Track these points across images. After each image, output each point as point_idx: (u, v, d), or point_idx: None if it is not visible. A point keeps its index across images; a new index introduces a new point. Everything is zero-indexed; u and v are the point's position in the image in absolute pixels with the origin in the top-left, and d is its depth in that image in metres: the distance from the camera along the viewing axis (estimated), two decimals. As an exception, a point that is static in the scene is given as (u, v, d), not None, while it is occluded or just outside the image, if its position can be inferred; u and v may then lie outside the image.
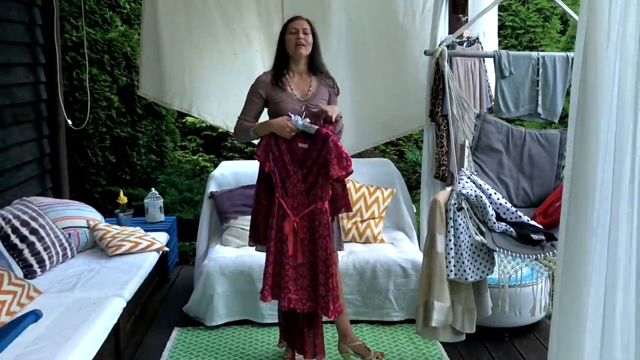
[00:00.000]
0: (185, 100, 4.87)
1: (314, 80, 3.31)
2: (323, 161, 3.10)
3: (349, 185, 4.47)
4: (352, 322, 3.82)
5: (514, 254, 3.07)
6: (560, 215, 2.14)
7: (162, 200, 5.14)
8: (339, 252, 3.42)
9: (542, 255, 3.08)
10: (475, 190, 3.12)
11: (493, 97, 3.84)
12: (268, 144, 3.20)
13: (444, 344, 3.66)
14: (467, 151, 3.38)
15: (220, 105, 4.90)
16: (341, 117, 3.29)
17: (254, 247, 3.45)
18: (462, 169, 3.32)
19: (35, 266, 3.58)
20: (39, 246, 3.63)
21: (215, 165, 5.47)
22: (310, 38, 3.24)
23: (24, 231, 3.61)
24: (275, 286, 3.22)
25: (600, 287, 2.06)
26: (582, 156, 2.03)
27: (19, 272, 3.47)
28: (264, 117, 3.36)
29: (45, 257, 3.65)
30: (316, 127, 3.11)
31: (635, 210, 2.05)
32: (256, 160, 3.25)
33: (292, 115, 3.12)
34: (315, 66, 3.30)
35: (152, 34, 4.71)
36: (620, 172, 2.03)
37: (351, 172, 3.13)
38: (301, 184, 3.16)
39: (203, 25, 4.74)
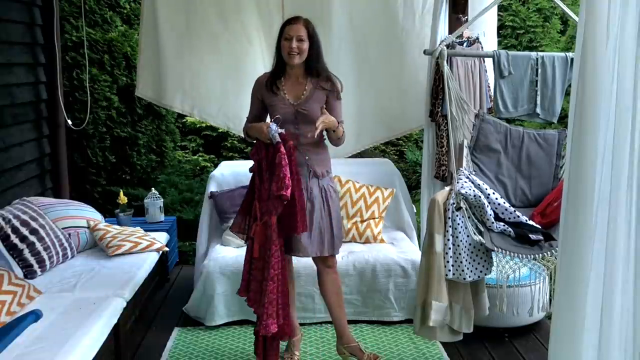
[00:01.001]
0: (186, 102, 4.85)
1: (310, 83, 3.28)
2: (274, 174, 3.11)
3: (349, 185, 4.48)
4: (352, 322, 3.83)
5: (512, 254, 3.07)
6: (560, 215, 2.15)
7: (162, 200, 5.14)
8: (335, 255, 3.42)
9: (540, 255, 3.08)
10: (474, 190, 3.12)
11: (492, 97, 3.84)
12: (258, 145, 3.25)
13: (444, 344, 3.66)
14: (465, 151, 3.38)
15: (222, 107, 4.88)
16: (341, 126, 3.29)
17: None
18: (461, 168, 3.32)
19: (35, 266, 3.58)
20: (39, 246, 3.63)
21: (215, 165, 5.48)
22: (305, 45, 3.19)
23: (24, 231, 3.61)
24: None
25: (599, 287, 2.06)
26: (581, 156, 2.03)
27: (19, 272, 3.48)
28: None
29: (45, 257, 3.65)
30: (277, 139, 3.10)
31: (633, 210, 2.05)
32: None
33: (270, 123, 3.15)
34: (313, 70, 3.27)
35: (152, 35, 4.70)
36: (619, 172, 2.03)
37: (284, 197, 3.04)
38: (267, 192, 3.17)
39: (203, 26, 4.73)
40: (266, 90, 3.30)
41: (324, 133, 3.34)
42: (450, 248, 3.06)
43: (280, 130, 3.13)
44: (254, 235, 3.19)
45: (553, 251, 3.02)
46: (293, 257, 3.51)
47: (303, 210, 3.17)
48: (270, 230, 3.12)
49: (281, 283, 3.18)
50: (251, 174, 3.32)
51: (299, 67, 3.27)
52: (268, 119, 3.36)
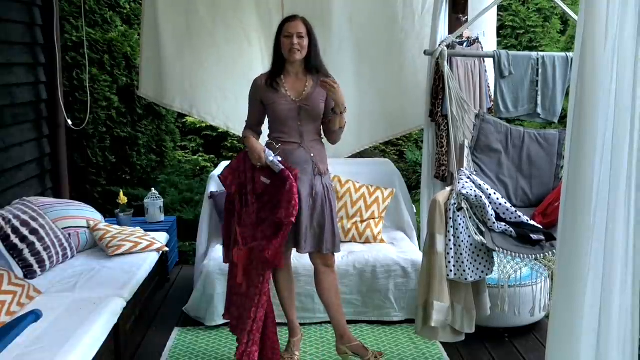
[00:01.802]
0: (185, 101, 4.86)
1: (310, 80, 3.30)
2: (277, 201, 3.12)
3: (349, 185, 4.48)
4: (352, 322, 3.83)
5: (513, 254, 3.07)
6: (559, 215, 2.15)
7: (162, 200, 5.14)
8: (335, 254, 3.42)
9: (542, 255, 3.08)
10: (474, 190, 3.12)
11: (493, 97, 3.84)
12: (238, 167, 3.27)
13: (444, 344, 3.66)
14: (466, 151, 3.38)
15: (221, 106, 4.90)
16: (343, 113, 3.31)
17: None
18: (462, 168, 3.32)
19: (35, 266, 3.58)
20: (39, 246, 3.63)
21: (215, 165, 5.49)
22: (305, 41, 3.22)
23: (24, 231, 3.61)
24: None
25: (597, 287, 2.06)
26: (579, 156, 2.03)
27: (19, 272, 3.48)
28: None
29: (45, 257, 3.65)
30: (281, 167, 3.14)
31: (632, 210, 2.05)
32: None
33: (266, 149, 3.19)
34: (312, 66, 3.29)
35: (152, 35, 4.71)
36: (618, 171, 2.02)
37: (289, 221, 3.06)
38: (254, 216, 3.17)
39: (203, 26, 4.74)
40: (266, 89, 3.29)
41: (321, 128, 3.35)
42: (451, 248, 3.06)
43: (279, 158, 3.17)
44: (237, 261, 3.18)
45: (554, 251, 3.01)
46: (292, 258, 3.51)
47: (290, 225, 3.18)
48: (260, 254, 3.09)
49: (269, 310, 3.21)
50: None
51: (298, 65, 3.29)
52: (265, 123, 3.37)
